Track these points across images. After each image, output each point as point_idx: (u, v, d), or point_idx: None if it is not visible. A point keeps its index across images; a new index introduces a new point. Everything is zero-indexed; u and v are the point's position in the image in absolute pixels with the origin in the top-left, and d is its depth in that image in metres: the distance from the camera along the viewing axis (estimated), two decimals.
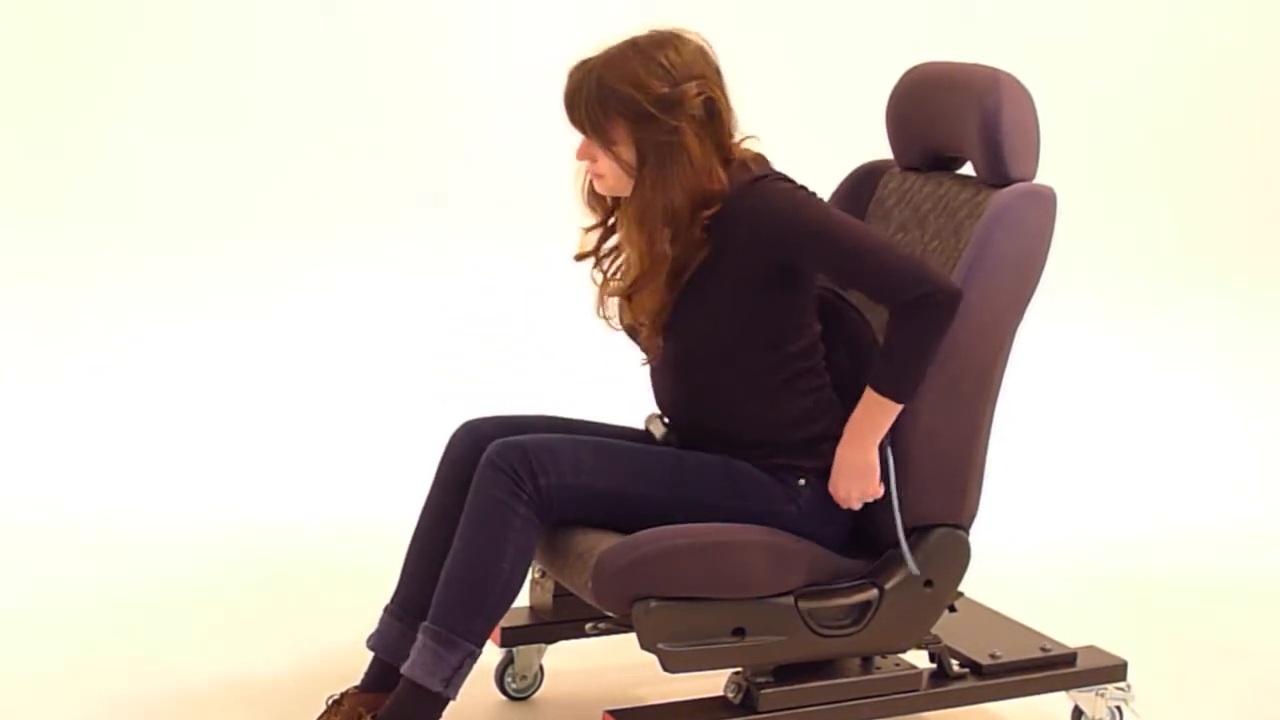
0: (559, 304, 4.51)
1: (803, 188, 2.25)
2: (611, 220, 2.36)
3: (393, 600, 2.39)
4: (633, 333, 2.38)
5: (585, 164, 2.31)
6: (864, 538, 2.37)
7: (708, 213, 2.22)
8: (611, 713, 2.26)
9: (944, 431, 2.33)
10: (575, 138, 2.30)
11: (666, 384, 2.40)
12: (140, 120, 4.41)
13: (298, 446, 4.07)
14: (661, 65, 2.20)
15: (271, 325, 4.41)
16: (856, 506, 2.31)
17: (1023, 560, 3.58)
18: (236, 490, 3.84)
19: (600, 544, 2.20)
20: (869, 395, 2.25)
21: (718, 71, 2.27)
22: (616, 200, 2.33)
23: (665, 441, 2.40)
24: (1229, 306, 4.85)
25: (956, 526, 2.37)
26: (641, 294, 2.26)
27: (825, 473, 2.30)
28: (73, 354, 4.26)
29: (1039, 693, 2.54)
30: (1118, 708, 2.57)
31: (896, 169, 2.64)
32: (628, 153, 2.22)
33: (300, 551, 3.50)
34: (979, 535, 2.42)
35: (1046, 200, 2.36)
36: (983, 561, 2.46)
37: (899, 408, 2.25)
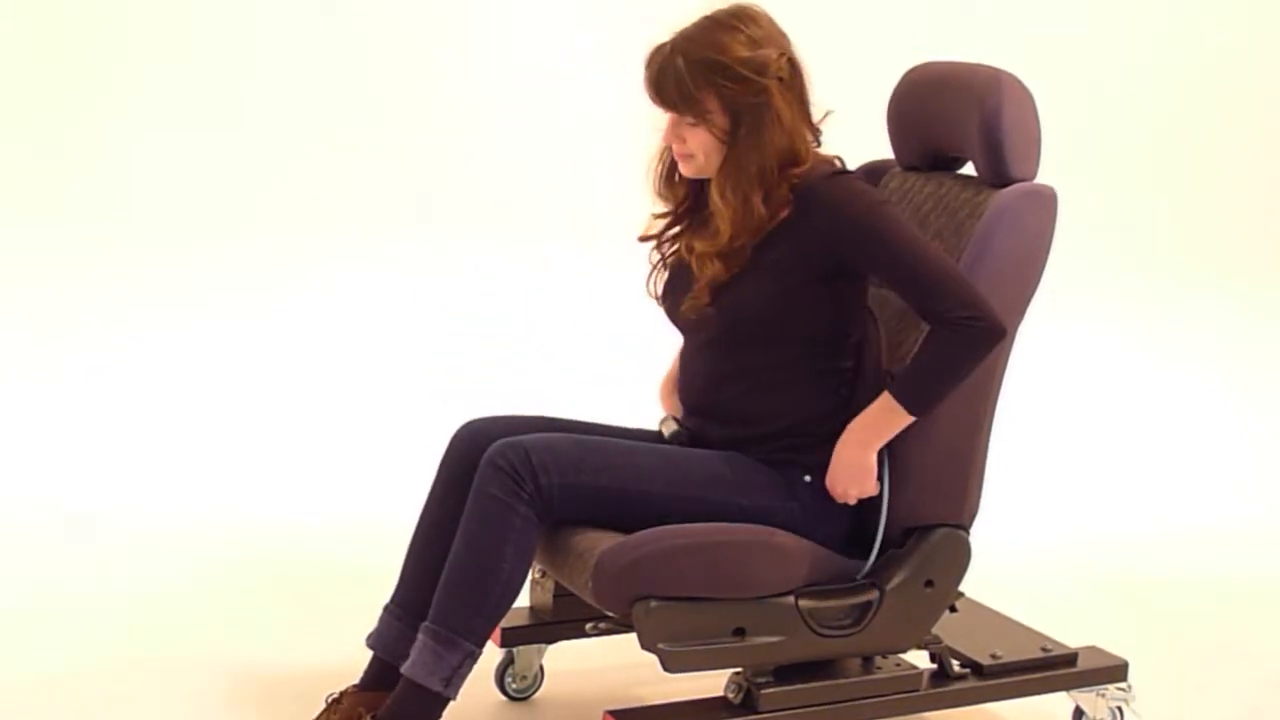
0: (559, 304, 4.53)
1: (877, 193, 2.27)
2: (682, 207, 2.39)
3: (392, 599, 2.39)
4: (671, 305, 2.39)
5: (660, 151, 2.36)
6: (864, 538, 2.37)
7: (796, 170, 2.25)
8: (611, 713, 2.25)
9: (944, 431, 2.33)
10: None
11: (698, 361, 2.39)
12: (140, 120, 4.41)
13: (298, 446, 4.07)
14: (743, 32, 2.24)
15: (271, 325, 4.41)
16: (853, 502, 2.32)
17: (1023, 560, 3.58)
18: (236, 490, 3.83)
19: (600, 544, 2.19)
20: (886, 400, 2.25)
21: (789, 42, 2.31)
22: (693, 185, 2.37)
23: (674, 440, 2.41)
24: (1229, 306, 4.85)
25: (957, 526, 2.36)
26: (728, 255, 2.25)
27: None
28: (73, 354, 4.26)
29: (1040, 693, 2.54)
30: (1118, 708, 2.57)
31: (897, 169, 2.64)
32: (721, 119, 2.24)
33: (300, 551, 3.49)
34: (979, 535, 2.42)
35: (1047, 200, 2.36)
36: (983, 561, 2.46)
37: (911, 419, 2.25)
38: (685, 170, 2.34)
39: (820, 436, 2.31)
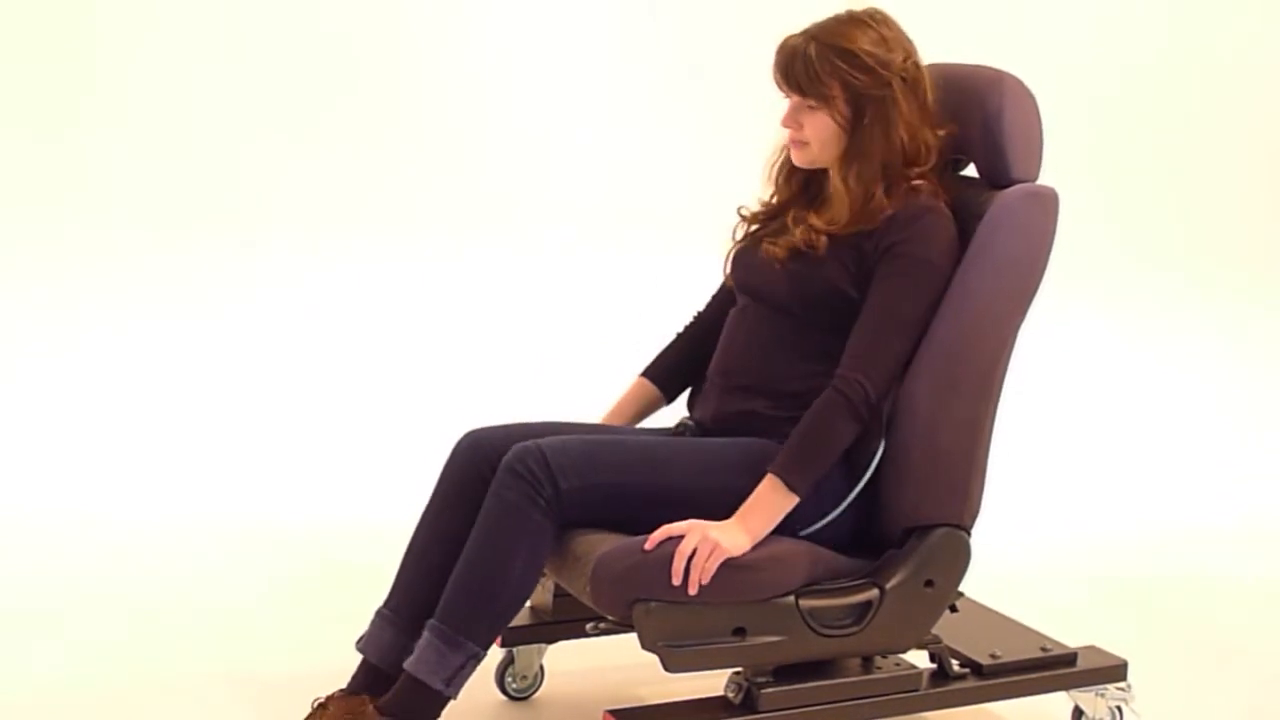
0: (559, 304, 4.53)
1: (948, 258, 2.29)
2: (792, 201, 2.43)
3: (385, 604, 2.38)
4: (739, 272, 2.44)
5: (780, 145, 2.40)
6: (865, 538, 2.37)
7: (916, 170, 2.29)
8: (611, 713, 2.25)
9: (945, 431, 2.32)
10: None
11: (749, 328, 2.40)
12: (140, 120, 4.41)
13: (299, 448, 4.07)
14: (875, 30, 2.32)
15: (272, 326, 4.41)
16: (678, 565, 2.14)
17: (1023, 560, 3.58)
18: (238, 493, 3.83)
19: (598, 547, 2.19)
20: (769, 481, 2.22)
21: (917, 51, 2.36)
22: (805, 177, 2.41)
23: (678, 430, 2.42)
24: (1229, 306, 4.85)
25: (958, 527, 2.36)
26: (838, 238, 2.28)
27: (842, 468, 2.29)
28: (73, 353, 4.26)
29: (1039, 693, 2.54)
30: (1118, 708, 2.58)
31: None
32: (843, 107, 2.29)
33: (300, 554, 3.49)
34: (980, 535, 2.41)
35: (1049, 201, 2.36)
36: (983, 561, 2.46)
37: (794, 499, 2.22)
38: (797, 158, 2.37)
39: None
